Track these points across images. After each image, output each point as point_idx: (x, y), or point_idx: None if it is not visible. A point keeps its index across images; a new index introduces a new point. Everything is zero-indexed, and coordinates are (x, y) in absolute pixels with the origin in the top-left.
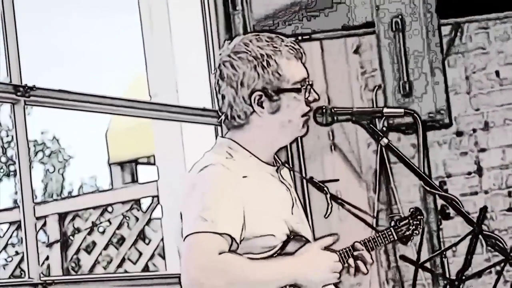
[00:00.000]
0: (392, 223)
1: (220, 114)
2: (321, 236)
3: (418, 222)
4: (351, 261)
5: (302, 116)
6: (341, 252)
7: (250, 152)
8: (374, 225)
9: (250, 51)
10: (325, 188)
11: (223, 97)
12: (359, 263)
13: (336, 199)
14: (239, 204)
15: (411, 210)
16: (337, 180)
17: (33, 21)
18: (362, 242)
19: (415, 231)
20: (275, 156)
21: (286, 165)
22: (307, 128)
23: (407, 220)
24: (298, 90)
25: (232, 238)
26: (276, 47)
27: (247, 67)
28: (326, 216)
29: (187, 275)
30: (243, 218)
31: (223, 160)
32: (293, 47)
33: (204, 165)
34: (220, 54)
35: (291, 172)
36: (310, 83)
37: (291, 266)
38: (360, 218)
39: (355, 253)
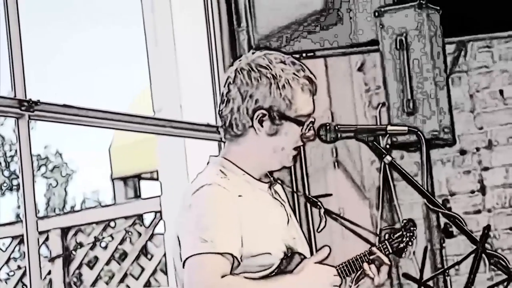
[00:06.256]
0: (386, 236)
1: (220, 117)
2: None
3: (411, 234)
4: (366, 266)
5: (294, 148)
6: (350, 261)
7: (243, 170)
8: (376, 243)
9: (271, 68)
10: (319, 203)
11: (228, 101)
12: (383, 267)
13: (330, 214)
14: (237, 223)
15: (404, 222)
16: (330, 194)
17: (37, 36)
18: (357, 257)
19: (408, 243)
20: (268, 173)
21: (279, 181)
22: (295, 161)
23: (400, 233)
24: (300, 123)
25: (234, 257)
26: (296, 74)
27: (263, 82)
28: (319, 230)
29: None
30: (241, 238)
31: (218, 179)
32: (311, 80)
33: (200, 185)
34: (239, 60)
35: (284, 188)
36: (313, 120)
37: (292, 284)
38: (356, 232)
39: (371, 257)
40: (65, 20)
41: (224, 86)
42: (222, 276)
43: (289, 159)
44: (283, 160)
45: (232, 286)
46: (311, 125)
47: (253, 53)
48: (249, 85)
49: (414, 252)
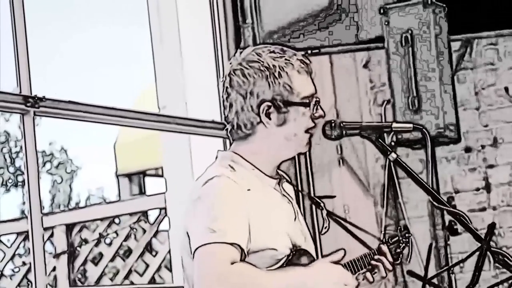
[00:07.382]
0: (384, 240)
1: (226, 123)
2: (330, 253)
3: (407, 240)
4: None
5: (307, 131)
6: (358, 258)
7: (252, 165)
8: (382, 240)
9: (262, 61)
10: (322, 204)
11: (231, 105)
12: (380, 265)
13: (332, 216)
14: (245, 216)
15: (400, 227)
16: (334, 196)
17: (43, 33)
18: (355, 260)
19: (405, 248)
20: (277, 169)
21: (287, 178)
22: (310, 145)
23: (397, 238)
24: (306, 105)
25: (242, 249)
26: (288, 60)
27: (258, 76)
28: (322, 233)
29: (202, 286)
30: (248, 231)
31: (227, 172)
32: (304, 61)
33: (209, 177)
34: (230, 63)
35: (293, 186)
36: (318, 99)
37: (303, 276)
38: (355, 236)
39: (376, 257)
40: (70, 19)
41: (223, 92)
42: (232, 263)
43: (304, 143)
44: (298, 146)
45: (242, 273)
46: (317, 104)
47: (240, 53)
48: (245, 83)
49: (417, 247)
